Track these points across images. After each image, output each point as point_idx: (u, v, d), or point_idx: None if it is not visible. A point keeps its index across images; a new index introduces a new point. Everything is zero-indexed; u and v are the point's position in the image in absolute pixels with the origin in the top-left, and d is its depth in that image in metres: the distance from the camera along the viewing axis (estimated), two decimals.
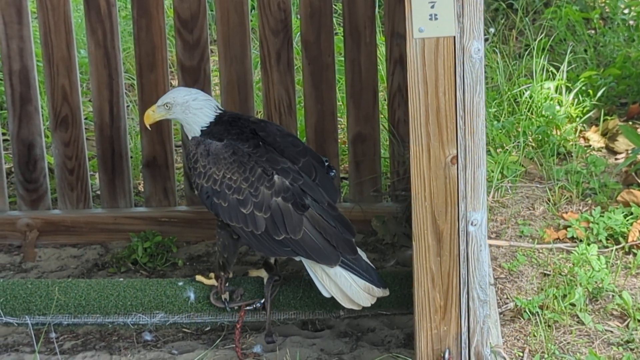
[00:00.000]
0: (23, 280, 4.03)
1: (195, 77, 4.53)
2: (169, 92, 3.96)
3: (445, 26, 3.20)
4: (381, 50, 5.16)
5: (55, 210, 4.70)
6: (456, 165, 3.29)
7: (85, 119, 5.36)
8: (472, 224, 3.32)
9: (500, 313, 3.92)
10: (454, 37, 3.21)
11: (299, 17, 4.56)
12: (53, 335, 3.98)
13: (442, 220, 3.32)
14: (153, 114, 3.94)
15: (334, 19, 4.64)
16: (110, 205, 4.67)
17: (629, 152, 4.95)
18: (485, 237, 3.35)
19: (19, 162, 4.65)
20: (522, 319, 3.89)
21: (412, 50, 3.22)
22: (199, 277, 3.99)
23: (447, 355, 3.38)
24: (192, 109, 3.86)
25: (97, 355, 3.87)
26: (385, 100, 4.64)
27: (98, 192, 4.78)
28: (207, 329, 3.98)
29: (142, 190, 4.76)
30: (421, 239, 3.34)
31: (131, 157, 4.99)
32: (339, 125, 4.68)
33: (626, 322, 3.87)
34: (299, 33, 4.60)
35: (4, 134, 5.15)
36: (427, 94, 3.25)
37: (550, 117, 5.17)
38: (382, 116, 4.71)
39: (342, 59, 4.50)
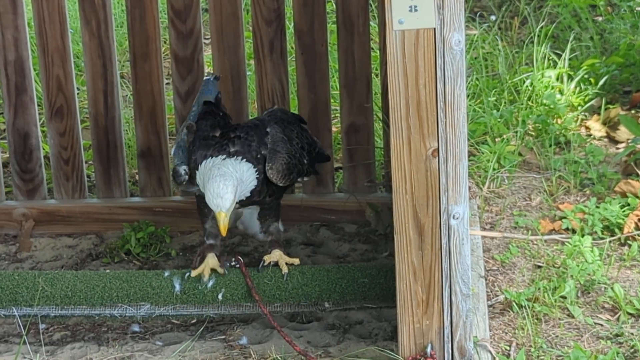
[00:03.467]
0: (10, 271, 4.03)
1: (188, 68, 4.51)
2: (219, 199, 3.72)
3: (425, 18, 3.17)
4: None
5: (51, 200, 4.70)
6: (437, 158, 3.26)
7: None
8: (453, 218, 3.29)
9: (490, 306, 3.89)
10: (434, 28, 3.18)
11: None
12: (43, 326, 3.99)
13: (423, 213, 3.30)
14: (226, 216, 3.72)
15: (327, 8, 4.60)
16: (105, 195, 4.67)
17: (629, 141, 4.88)
18: (467, 230, 3.31)
19: (14, 152, 4.65)
20: (511, 312, 3.85)
21: (392, 43, 3.19)
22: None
23: (429, 350, 3.35)
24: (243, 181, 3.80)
25: (85, 347, 3.87)
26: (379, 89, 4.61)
27: (94, 182, 4.78)
28: (194, 321, 3.97)
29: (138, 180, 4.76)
30: (402, 233, 3.32)
31: (129, 147, 5.00)
32: (332, 115, 4.65)
33: (617, 316, 3.83)
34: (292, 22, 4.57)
35: None
36: (407, 86, 3.22)
37: (551, 105, 5.12)
38: (377, 106, 4.68)
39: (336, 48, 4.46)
